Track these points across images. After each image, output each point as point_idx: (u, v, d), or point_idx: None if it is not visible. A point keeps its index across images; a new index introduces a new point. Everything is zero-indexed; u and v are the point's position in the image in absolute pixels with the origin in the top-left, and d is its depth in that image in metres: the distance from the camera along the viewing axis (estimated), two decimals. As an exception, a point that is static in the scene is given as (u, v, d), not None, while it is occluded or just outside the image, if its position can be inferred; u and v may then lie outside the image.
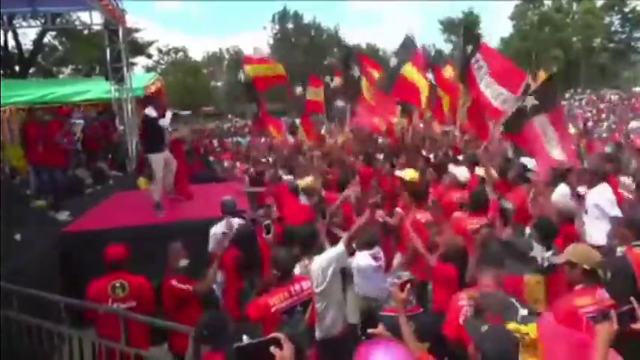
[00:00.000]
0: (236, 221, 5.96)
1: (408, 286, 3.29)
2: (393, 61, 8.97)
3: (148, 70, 44.53)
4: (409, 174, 6.65)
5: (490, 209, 5.21)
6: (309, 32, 58.46)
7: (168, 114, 7.70)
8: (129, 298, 4.53)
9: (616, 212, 5.50)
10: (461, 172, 6.65)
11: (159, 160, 7.68)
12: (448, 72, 12.12)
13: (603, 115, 30.72)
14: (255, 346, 2.12)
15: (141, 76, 19.87)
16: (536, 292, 4.05)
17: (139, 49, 39.88)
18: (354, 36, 70.52)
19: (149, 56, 48.38)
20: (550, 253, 4.11)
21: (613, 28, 55.51)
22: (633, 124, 21.17)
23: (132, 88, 13.84)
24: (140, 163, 12.27)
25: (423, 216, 5.65)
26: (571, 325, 2.82)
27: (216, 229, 5.87)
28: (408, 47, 9.09)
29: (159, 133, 7.59)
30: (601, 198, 5.71)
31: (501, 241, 4.32)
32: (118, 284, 4.53)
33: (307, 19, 59.04)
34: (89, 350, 4.15)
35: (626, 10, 54.36)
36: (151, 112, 7.59)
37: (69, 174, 10.63)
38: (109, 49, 13.33)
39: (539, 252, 4.15)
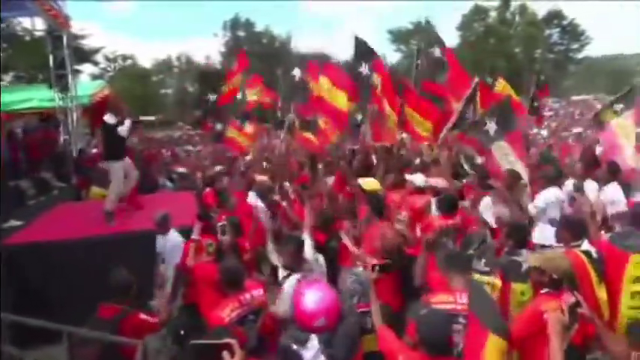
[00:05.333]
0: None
1: (377, 267, 3.44)
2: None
3: (95, 77, 43.34)
4: (370, 184, 6.36)
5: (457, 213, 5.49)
6: (261, 40, 58.39)
7: (127, 122, 7.46)
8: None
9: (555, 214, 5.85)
10: (417, 178, 6.73)
11: (118, 168, 7.51)
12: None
13: (546, 123, 31.99)
14: (207, 347, 2.19)
15: (87, 83, 19.33)
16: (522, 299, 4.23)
17: (85, 56, 38.78)
18: (306, 44, 70.56)
19: (95, 63, 47.19)
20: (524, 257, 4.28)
21: (552, 40, 58.26)
22: (574, 131, 22.21)
23: (77, 96, 13.45)
24: (81, 174, 11.95)
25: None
26: (536, 329, 3.09)
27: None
28: (365, 53, 9.06)
29: (118, 140, 7.43)
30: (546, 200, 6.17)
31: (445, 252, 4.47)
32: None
33: (259, 27, 59.07)
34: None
35: (565, 22, 57.28)
36: (109, 118, 7.43)
37: (10, 185, 10.21)
38: (53, 55, 12.93)
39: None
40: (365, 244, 5.17)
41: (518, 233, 4.68)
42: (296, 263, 4.28)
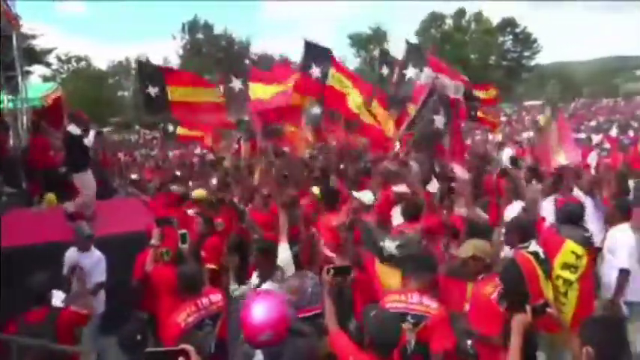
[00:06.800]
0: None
1: (332, 271, 3.46)
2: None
3: (46, 79, 41.90)
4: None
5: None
6: (220, 43, 57.74)
7: (92, 132, 7.36)
8: None
9: None
10: (365, 196, 6.44)
11: (88, 178, 7.33)
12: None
13: (500, 127, 32.90)
14: (163, 354, 2.17)
15: (38, 85, 18.73)
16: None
17: (37, 57, 37.43)
18: (266, 47, 69.54)
19: (48, 65, 45.62)
20: None
21: (506, 47, 60.14)
22: (525, 135, 22.92)
23: (27, 98, 13.03)
24: (32, 179, 11.55)
25: (334, 218, 5.93)
26: (484, 309, 3.50)
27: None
28: (316, 55, 9.04)
29: (83, 151, 7.23)
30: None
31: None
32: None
33: (218, 29, 58.39)
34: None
35: (518, 30, 59.27)
36: (74, 129, 7.15)
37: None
38: (1, 56, 12.47)
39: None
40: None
41: (476, 234, 4.81)
42: (268, 272, 4.10)
